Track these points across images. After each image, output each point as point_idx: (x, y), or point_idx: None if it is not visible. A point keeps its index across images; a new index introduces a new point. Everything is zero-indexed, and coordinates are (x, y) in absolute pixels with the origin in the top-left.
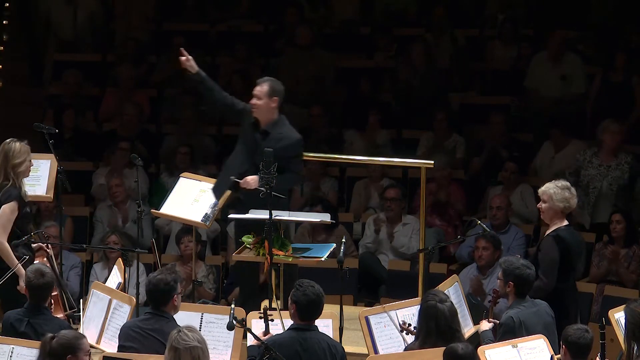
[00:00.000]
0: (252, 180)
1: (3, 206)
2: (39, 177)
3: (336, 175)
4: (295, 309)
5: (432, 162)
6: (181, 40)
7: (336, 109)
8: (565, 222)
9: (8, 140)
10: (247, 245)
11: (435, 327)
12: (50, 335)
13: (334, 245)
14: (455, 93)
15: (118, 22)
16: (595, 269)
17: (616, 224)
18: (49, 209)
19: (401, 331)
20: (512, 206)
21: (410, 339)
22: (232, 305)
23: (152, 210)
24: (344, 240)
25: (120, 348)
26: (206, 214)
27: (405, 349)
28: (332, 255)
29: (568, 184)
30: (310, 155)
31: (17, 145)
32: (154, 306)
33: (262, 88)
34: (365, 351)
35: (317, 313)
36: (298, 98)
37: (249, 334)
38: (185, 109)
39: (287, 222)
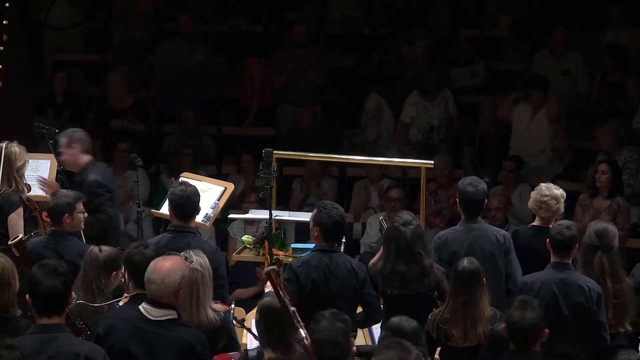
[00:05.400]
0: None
1: (11, 216)
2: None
3: (336, 175)
4: (320, 231)
5: (432, 162)
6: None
7: (334, 108)
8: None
9: (3, 144)
10: (247, 246)
11: (395, 248)
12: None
13: None
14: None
15: (117, 22)
16: (580, 223)
17: (601, 174)
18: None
19: None
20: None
21: None
22: (232, 306)
23: (152, 210)
24: (343, 240)
25: None
26: (206, 214)
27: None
28: None
29: (549, 189)
30: (310, 155)
31: (16, 148)
32: (183, 220)
33: (60, 142)
34: None
35: (341, 234)
36: (295, 98)
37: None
38: (185, 109)
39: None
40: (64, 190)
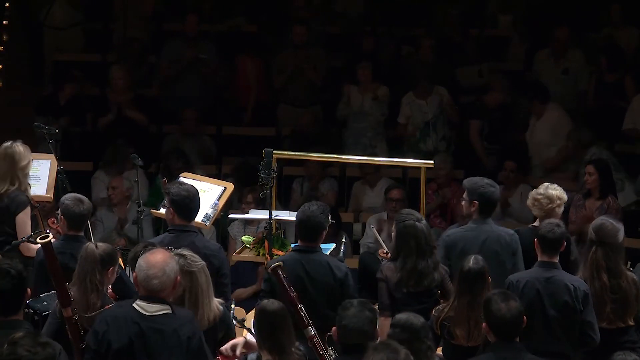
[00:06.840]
0: None
1: (19, 216)
2: (39, 177)
3: (336, 175)
4: (296, 228)
5: (432, 162)
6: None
7: (334, 108)
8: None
9: (8, 144)
10: (247, 246)
11: (415, 245)
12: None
13: (334, 245)
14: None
15: (117, 22)
16: (572, 224)
17: (588, 176)
18: (46, 209)
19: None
20: (511, 208)
21: None
22: (232, 306)
23: (151, 210)
24: (344, 240)
25: None
26: (206, 214)
27: (381, 270)
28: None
29: (546, 189)
30: (310, 155)
31: (20, 148)
32: (186, 220)
33: None
34: None
35: (315, 234)
36: (295, 98)
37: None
38: (186, 109)
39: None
40: (76, 195)
